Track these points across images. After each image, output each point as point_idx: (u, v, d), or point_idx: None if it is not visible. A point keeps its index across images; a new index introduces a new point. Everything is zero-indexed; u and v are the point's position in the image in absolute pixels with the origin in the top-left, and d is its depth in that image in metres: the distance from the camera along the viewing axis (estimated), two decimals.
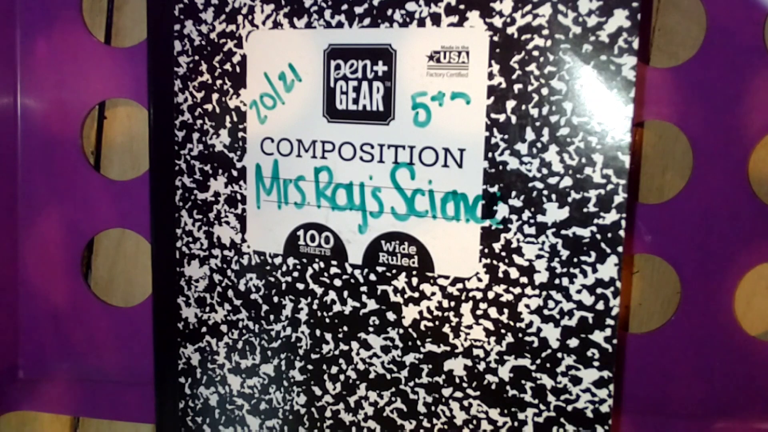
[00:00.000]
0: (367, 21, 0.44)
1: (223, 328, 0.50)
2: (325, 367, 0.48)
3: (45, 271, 0.59)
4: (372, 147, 0.45)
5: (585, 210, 0.41)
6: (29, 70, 0.58)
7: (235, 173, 0.48)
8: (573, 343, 0.43)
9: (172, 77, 0.49)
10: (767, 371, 0.52)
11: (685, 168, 0.52)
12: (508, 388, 0.45)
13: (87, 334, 0.60)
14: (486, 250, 0.44)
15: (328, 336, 0.48)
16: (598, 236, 0.41)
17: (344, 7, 0.45)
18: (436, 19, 0.43)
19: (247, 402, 0.51)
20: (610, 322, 0.42)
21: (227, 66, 0.48)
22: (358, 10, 0.44)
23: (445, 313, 0.45)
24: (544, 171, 0.42)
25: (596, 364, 0.42)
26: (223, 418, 0.52)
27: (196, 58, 0.48)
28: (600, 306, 0.42)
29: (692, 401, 0.53)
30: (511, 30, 0.41)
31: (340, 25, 0.45)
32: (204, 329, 0.51)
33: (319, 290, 0.48)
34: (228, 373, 0.51)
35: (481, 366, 0.45)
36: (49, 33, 0.57)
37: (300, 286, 0.48)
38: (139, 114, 0.59)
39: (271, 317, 0.49)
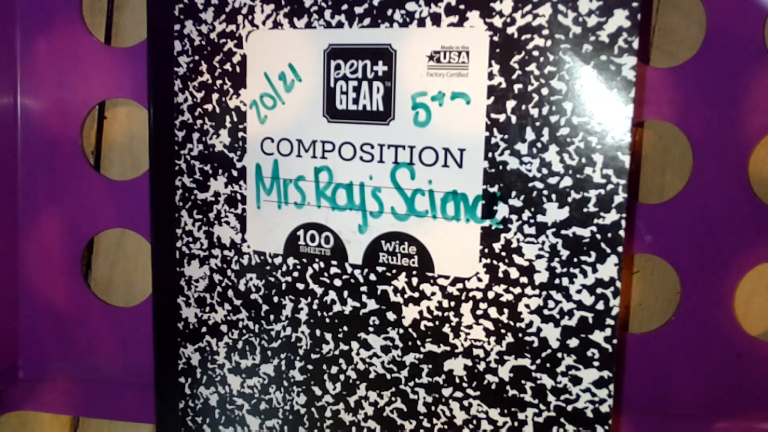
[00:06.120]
0: (367, 21, 0.44)
1: (223, 328, 0.50)
2: (325, 367, 0.49)
3: (45, 271, 0.59)
4: (372, 147, 0.45)
5: (585, 210, 0.41)
6: (29, 70, 0.58)
7: (235, 173, 0.48)
8: (573, 343, 0.43)
9: (172, 77, 0.49)
10: (767, 371, 0.52)
11: (685, 168, 0.52)
12: (508, 388, 0.45)
13: (87, 334, 0.60)
14: (486, 250, 0.44)
15: (328, 336, 0.48)
16: (598, 236, 0.41)
17: (344, 7, 0.45)
18: (436, 19, 0.43)
19: (247, 402, 0.51)
20: (610, 322, 0.42)
21: (227, 66, 0.48)
22: (358, 10, 0.44)
23: (445, 313, 0.45)
24: (544, 171, 0.42)
25: (596, 364, 0.42)
26: (223, 418, 0.52)
27: (196, 58, 0.48)
28: (600, 306, 0.42)
29: (692, 401, 0.53)
30: (511, 30, 0.41)
31: (340, 25, 0.45)
32: (204, 329, 0.51)
33: (319, 290, 0.48)
34: (228, 373, 0.51)
35: (481, 366, 0.45)
36: (49, 33, 0.57)
37: (300, 286, 0.48)
38: (139, 114, 0.59)
39: (271, 317, 0.49)
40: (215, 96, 0.48)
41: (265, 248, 0.48)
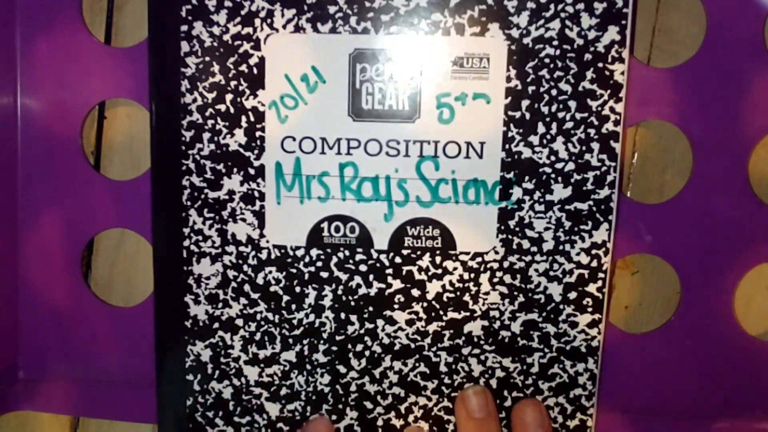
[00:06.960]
0: (393, 29, 0.48)
1: (239, 322, 0.51)
2: (350, 346, 0.51)
3: (45, 271, 0.59)
4: (398, 143, 0.48)
5: (584, 188, 0.49)
6: (29, 70, 0.57)
7: (252, 171, 0.49)
8: (572, 295, 0.50)
9: (177, 77, 0.49)
10: (767, 371, 0.53)
11: (685, 168, 0.53)
12: (519, 339, 0.51)
13: (87, 334, 0.59)
14: (502, 227, 0.49)
15: (353, 317, 0.51)
16: (594, 208, 0.49)
17: (370, 14, 0.47)
18: (459, 29, 0.47)
19: (266, 390, 0.52)
20: (601, 275, 0.50)
21: (243, 67, 0.48)
22: (384, 18, 0.48)
23: (466, 284, 0.50)
24: (553, 158, 0.49)
25: (590, 309, 0.50)
26: (238, 410, 0.52)
27: (207, 59, 0.49)
28: (594, 264, 0.50)
29: (692, 401, 0.54)
30: (526, 40, 0.48)
31: (366, 31, 0.48)
32: (216, 325, 0.51)
33: (343, 276, 0.50)
34: (244, 364, 0.52)
35: (497, 324, 0.51)
36: (49, 33, 0.57)
37: (324, 274, 0.50)
38: (139, 114, 0.59)
39: (293, 306, 0.51)
40: (229, 96, 0.49)
41: (286, 242, 0.50)
